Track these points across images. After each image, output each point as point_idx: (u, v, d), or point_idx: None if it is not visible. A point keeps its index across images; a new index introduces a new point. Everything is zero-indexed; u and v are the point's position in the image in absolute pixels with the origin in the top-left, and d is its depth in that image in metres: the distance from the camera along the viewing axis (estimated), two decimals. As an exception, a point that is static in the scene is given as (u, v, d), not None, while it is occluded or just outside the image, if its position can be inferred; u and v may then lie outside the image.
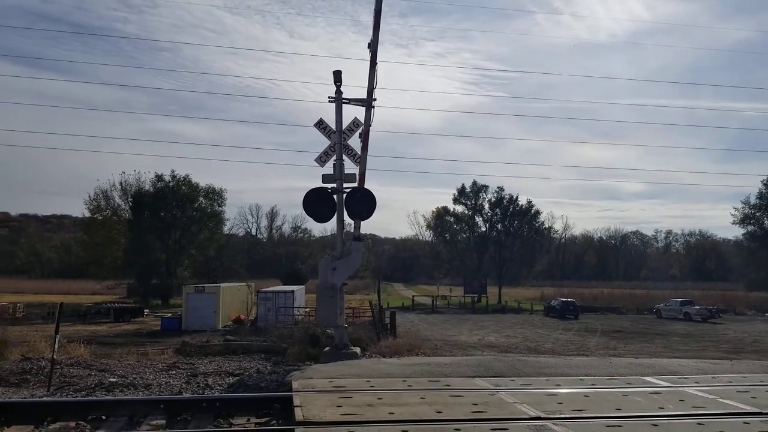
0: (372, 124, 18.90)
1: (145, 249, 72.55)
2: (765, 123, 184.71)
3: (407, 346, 21.41)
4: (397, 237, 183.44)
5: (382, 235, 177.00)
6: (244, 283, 57.48)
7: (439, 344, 32.25)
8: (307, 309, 43.27)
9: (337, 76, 18.75)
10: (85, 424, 9.22)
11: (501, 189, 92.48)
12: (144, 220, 74.38)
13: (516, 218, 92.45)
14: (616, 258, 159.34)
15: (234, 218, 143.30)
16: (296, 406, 9.28)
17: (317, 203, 18.36)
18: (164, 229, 75.60)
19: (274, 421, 9.47)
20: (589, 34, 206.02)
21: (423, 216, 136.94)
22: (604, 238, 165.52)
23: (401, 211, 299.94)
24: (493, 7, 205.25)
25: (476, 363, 14.51)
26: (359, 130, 18.90)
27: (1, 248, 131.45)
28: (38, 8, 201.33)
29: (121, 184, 78.76)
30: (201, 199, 79.47)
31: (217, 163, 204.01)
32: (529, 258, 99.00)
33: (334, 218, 18.72)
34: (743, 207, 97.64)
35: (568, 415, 8.97)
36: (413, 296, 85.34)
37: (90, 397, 11.94)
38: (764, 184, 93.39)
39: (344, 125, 18.89)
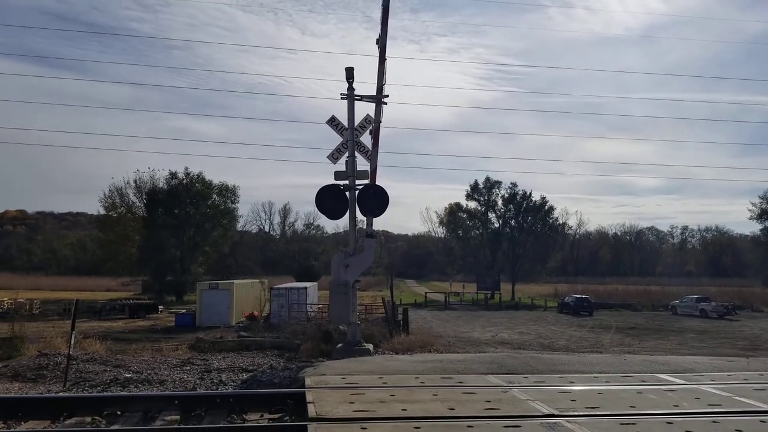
0: (382, 121, 18.88)
1: (160, 246, 72.96)
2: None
3: (420, 343, 21.40)
4: (409, 233, 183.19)
5: (395, 232, 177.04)
6: (257, 280, 57.67)
7: (451, 341, 32.19)
8: (320, 305, 43.34)
9: (349, 73, 18.73)
10: (100, 419, 9.29)
11: (514, 185, 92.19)
12: (158, 217, 74.83)
13: (529, 214, 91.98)
14: (631, 254, 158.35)
15: (247, 215, 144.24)
16: (309, 403, 9.30)
17: (330, 200, 18.37)
18: (178, 226, 76.02)
19: (287, 417, 9.49)
20: (604, 27, 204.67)
21: (436, 212, 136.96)
22: (619, 234, 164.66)
23: (414, 208, 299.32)
24: (506, 1, 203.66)
25: (489, 360, 14.49)
26: (371, 127, 18.89)
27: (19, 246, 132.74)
28: (54, 8, 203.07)
29: (135, 181, 79.34)
30: (214, 196, 79.83)
31: (230, 160, 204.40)
32: (543, 254, 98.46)
33: (347, 215, 18.72)
34: (761, 202, 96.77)
35: (581, 413, 8.93)
36: (426, 293, 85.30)
37: (105, 393, 12.02)
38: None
39: (356, 122, 18.88)
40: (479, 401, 9.66)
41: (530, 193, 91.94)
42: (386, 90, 18.87)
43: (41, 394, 12.29)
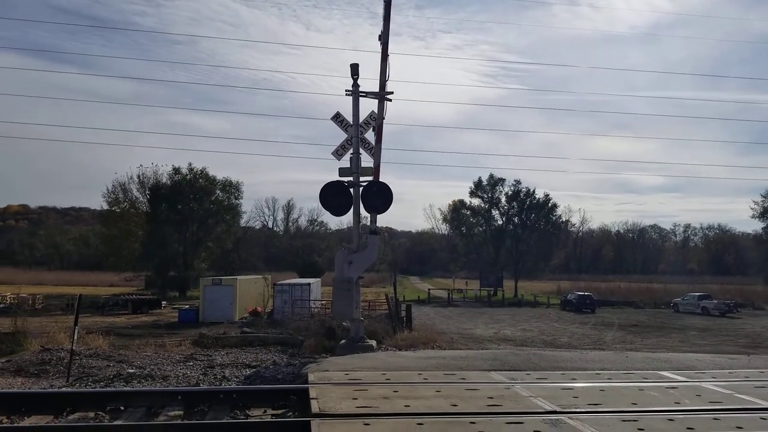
0: (386, 117, 18.86)
1: (163, 241, 73.08)
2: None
3: (423, 339, 21.40)
4: (413, 230, 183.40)
5: (399, 228, 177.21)
6: (260, 276, 57.82)
7: (454, 337, 32.23)
8: (323, 302, 43.39)
9: (354, 69, 18.70)
10: (103, 414, 9.31)
11: (518, 182, 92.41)
12: (161, 212, 74.94)
13: (533, 211, 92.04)
14: (633, 252, 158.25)
15: (251, 211, 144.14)
16: (312, 399, 9.31)
17: (334, 197, 18.34)
18: (181, 221, 76.13)
19: (291, 413, 9.50)
20: (609, 25, 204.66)
21: (439, 209, 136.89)
22: (622, 231, 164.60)
23: (417, 205, 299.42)
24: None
25: (492, 357, 14.50)
26: (375, 124, 18.88)
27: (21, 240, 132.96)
28: (58, 2, 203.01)
29: (138, 176, 79.49)
30: (218, 191, 79.94)
31: (234, 155, 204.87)
32: (546, 251, 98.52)
33: (351, 211, 18.71)
34: (763, 201, 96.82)
35: (583, 410, 8.94)
36: (429, 289, 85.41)
37: (108, 388, 12.05)
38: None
39: (361, 119, 18.87)
40: (482, 398, 9.67)
41: (534, 191, 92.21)
42: (391, 87, 18.84)
43: (44, 389, 12.32)
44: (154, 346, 23.28)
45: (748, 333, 41.89)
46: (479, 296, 79.62)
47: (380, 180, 18.49)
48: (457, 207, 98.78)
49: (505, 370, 12.46)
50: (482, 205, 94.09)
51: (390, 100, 18.86)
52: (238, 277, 49.37)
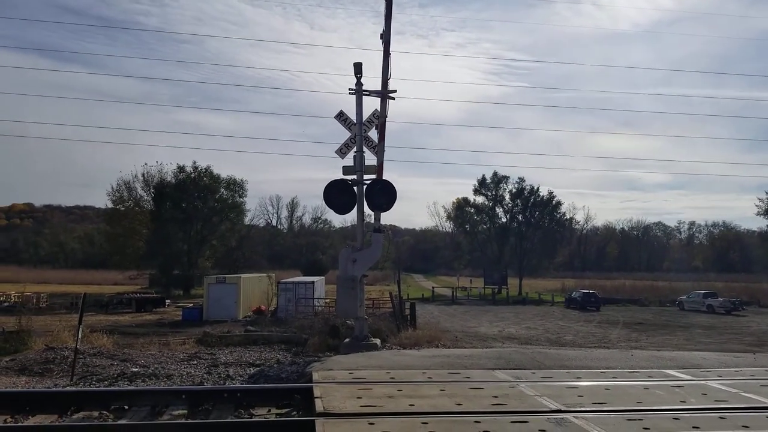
0: (388, 115, 18.81)
1: (167, 240, 73.17)
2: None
3: (427, 338, 21.40)
4: (417, 228, 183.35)
5: (402, 226, 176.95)
6: (264, 274, 57.78)
7: (459, 336, 32.22)
8: (327, 300, 43.40)
9: (358, 68, 18.68)
10: (107, 413, 9.30)
11: (522, 180, 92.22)
12: (166, 211, 75.01)
13: (537, 209, 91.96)
14: (638, 249, 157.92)
15: (255, 209, 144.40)
16: (316, 398, 9.29)
17: (338, 195, 18.30)
18: (186, 220, 76.20)
19: (295, 412, 9.49)
20: (612, 23, 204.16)
21: (443, 207, 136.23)
22: (626, 229, 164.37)
23: (421, 202, 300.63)
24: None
25: (496, 355, 14.46)
26: (377, 122, 18.85)
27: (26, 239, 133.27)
28: (62, 1, 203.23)
29: (143, 175, 79.55)
30: (222, 190, 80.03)
31: (238, 154, 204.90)
32: (550, 249, 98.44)
33: (355, 210, 18.68)
34: (767, 198, 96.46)
35: (588, 408, 8.91)
36: (433, 287, 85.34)
37: (112, 387, 12.05)
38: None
39: (365, 117, 18.84)
40: (486, 396, 9.65)
41: (538, 188, 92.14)
42: (394, 85, 18.85)
43: (48, 388, 12.34)
44: (158, 344, 23.30)
45: (754, 331, 41.78)
46: (483, 294, 79.56)
47: (384, 178, 18.46)
48: (461, 205, 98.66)
49: (510, 369, 12.42)
50: (486, 202, 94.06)
51: (393, 99, 18.83)
52: (242, 276, 49.36)
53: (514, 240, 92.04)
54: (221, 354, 18.61)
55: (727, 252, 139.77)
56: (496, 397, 9.63)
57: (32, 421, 9.03)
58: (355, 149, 18.67)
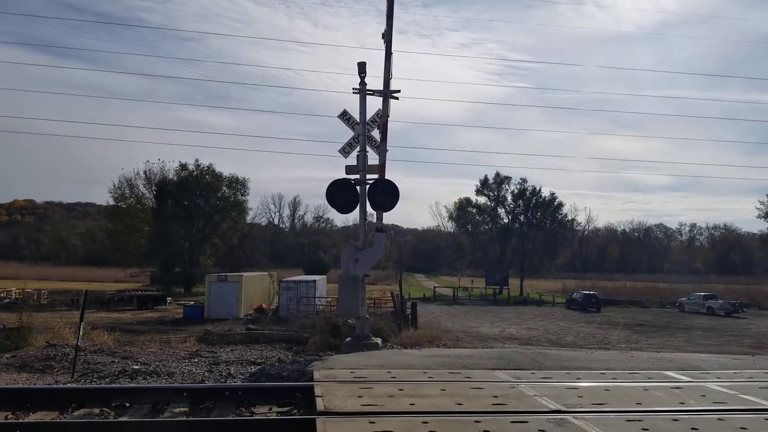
0: (390, 115, 18.84)
1: (169, 237, 73.16)
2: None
3: (428, 338, 21.43)
4: (419, 228, 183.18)
5: (404, 226, 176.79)
6: (266, 273, 57.80)
7: (460, 336, 32.23)
8: (329, 299, 43.39)
9: (362, 67, 18.71)
10: (108, 410, 9.34)
11: (524, 180, 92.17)
12: (168, 208, 75.00)
13: (539, 210, 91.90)
14: (639, 251, 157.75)
15: (257, 207, 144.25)
16: (317, 396, 9.32)
17: (340, 194, 18.33)
18: (188, 217, 76.21)
19: (296, 411, 9.52)
20: (615, 24, 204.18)
21: (445, 207, 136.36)
22: (628, 230, 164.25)
23: (423, 202, 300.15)
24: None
25: (497, 355, 14.49)
26: (380, 121, 18.88)
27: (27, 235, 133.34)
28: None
29: (145, 172, 79.46)
30: (224, 188, 79.98)
31: (241, 152, 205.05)
32: (552, 250, 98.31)
33: (357, 209, 18.71)
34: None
35: (588, 409, 8.94)
36: (435, 287, 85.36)
37: (113, 385, 12.07)
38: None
39: (368, 116, 18.86)
40: (487, 396, 9.67)
41: (539, 189, 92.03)
42: (397, 84, 18.93)
43: (49, 385, 12.37)
44: (159, 342, 23.34)
45: (753, 333, 41.77)
46: (485, 294, 79.58)
47: (386, 178, 18.49)
48: (463, 205, 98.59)
49: (510, 369, 12.45)
50: (488, 203, 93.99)
51: (397, 99, 18.86)
52: (244, 274, 49.33)
53: (515, 240, 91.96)
54: (222, 352, 18.64)
55: (728, 254, 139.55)
56: (496, 397, 9.66)
57: (33, 417, 9.06)
58: (358, 149, 18.70)
